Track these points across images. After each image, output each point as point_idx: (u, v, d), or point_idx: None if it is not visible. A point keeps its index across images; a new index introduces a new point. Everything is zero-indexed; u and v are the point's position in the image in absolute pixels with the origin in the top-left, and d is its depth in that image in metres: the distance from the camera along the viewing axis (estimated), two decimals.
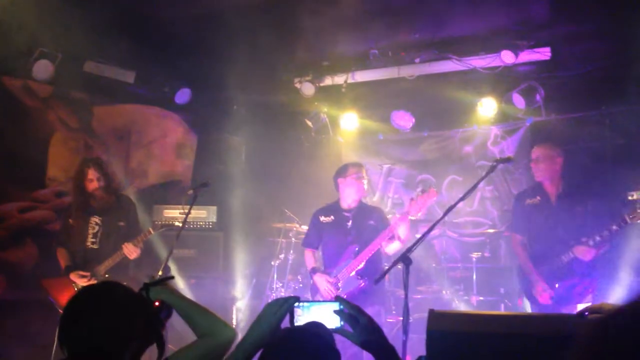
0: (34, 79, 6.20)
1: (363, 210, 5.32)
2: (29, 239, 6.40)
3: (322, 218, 5.46)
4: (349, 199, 5.36)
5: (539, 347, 2.18)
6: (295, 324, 2.01)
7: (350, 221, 5.29)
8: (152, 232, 5.39)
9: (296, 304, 2.02)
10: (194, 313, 2.26)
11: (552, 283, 4.84)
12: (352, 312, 1.97)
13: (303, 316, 2.01)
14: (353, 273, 5.04)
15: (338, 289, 5.07)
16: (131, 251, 5.28)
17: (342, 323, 1.98)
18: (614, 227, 4.55)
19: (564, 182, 5.02)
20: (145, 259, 5.73)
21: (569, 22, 5.91)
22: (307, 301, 2.05)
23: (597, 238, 4.62)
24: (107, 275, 5.33)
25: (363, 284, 5.01)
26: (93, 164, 5.50)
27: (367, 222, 5.19)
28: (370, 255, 4.96)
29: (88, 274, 5.32)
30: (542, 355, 2.15)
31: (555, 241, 4.86)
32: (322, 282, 5.16)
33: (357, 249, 5.08)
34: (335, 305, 2.00)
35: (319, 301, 2.08)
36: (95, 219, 5.51)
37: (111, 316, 1.95)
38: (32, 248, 6.40)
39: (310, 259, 5.55)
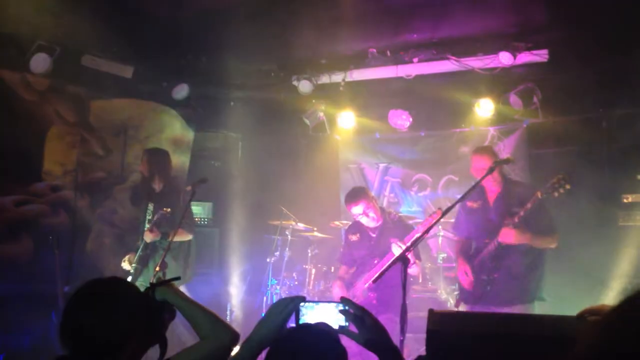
0: (31, 72, 6.17)
1: (387, 227, 5.29)
2: (25, 233, 6.37)
3: (350, 236, 5.53)
4: (366, 223, 5.37)
5: (538, 349, 2.19)
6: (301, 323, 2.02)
7: (374, 240, 5.33)
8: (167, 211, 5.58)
9: (302, 303, 2.02)
10: (198, 315, 2.26)
11: (480, 277, 4.70)
12: (358, 312, 1.98)
13: (308, 316, 2.03)
14: (366, 285, 5.10)
15: (354, 297, 5.17)
16: (145, 234, 5.59)
17: (347, 323, 2.00)
18: (529, 205, 4.43)
19: (502, 185, 4.85)
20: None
21: (566, 25, 5.93)
22: (313, 301, 2.06)
23: (515, 219, 4.45)
24: (133, 265, 5.62)
25: (374, 299, 5.06)
26: (146, 150, 6.22)
27: (390, 240, 5.12)
28: (381, 270, 4.96)
29: (127, 262, 5.73)
30: (541, 356, 2.16)
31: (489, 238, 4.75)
32: (335, 289, 5.40)
33: (375, 263, 5.13)
34: (341, 306, 2.02)
35: (324, 301, 2.08)
36: (151, 206, 5.85)
37: (112, 312, 1.97)
38: (27, 242, 6.37)
39: (342, 270, 5.61)
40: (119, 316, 1.97)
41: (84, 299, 2.01)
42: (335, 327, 1.99)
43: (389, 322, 4.92)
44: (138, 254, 5.62)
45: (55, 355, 1.99)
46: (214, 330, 2.22)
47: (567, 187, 4.31)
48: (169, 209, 5.58)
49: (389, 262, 3.71)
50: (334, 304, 2.04)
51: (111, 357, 1.96)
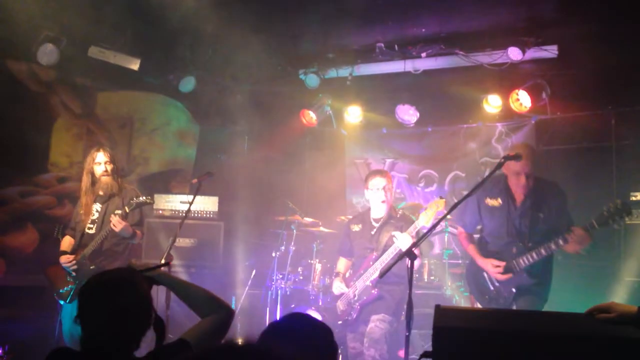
0: (38, 63, 6.17)
1: (391, 221, 5.20)
2: (30, 224, 6.39)
3: (352, 227, 5.48)
4: (375, 208, 5.31)
5: (545, 345, 2.17)
6: None
7: (375, 230, 5.25)
8: (127, 209, 5.32)
9: None
10: (193, 294, 2.35)
11: (508, 287, 4.46)
12: None
13: None
14: (368, 282, 5.05)
15: (354, 296, 5.14)
16: (115, 223, 5.24)
17: None
18: (581, 232, 4.10)
19: (530, 186, 4.47)
20: (150, 247, 5.77)
21: (576, 21, 5.88)
22: None
23: (595, 226, 4.07)
24: (97, 259, 5.35)
25: (375, 292, 5.02)
26: (102, 148, 5.58)
27: (391, 233, 5.07)
28: (382, 264, 4.94)
29: (72, 256, 5.37)
30: (549, 353, 2.14)
31: (513, 245, 4.48)
32: (334, 287, 5.35)
33: (374, 257, 5.09)
34: None
35: None
36: (97, 206, 5.56)
37: (119, 304, 2.04)
38: (32, 233, 6.39)
39: (341, 263, 5.60)
40: (125, 307, 2.03)
41: (91, 292, 2.07)
42: None
43: (381, 323, 4.96)
44: (92, 248, 5.30)
45: (56, 345, 2.03)
46: (212, 307, 2.30)
47: (627, 218, 4.02)
48: (148, 198, 5.36)
49: (396, 258, 3.67)
50: None
51: (118, 347, 2.03)
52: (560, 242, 4.18)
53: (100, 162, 5.49)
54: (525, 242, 4.41)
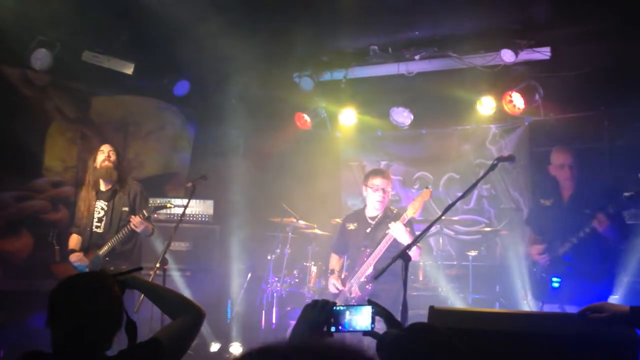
0: (32, 67, 6.15)
1: (386, 219, 5.25)
2: (25, 229, 6.37)
3: (348, 225, 5.57)
4: (371, 207, 5.39)
5: (539, 345, 2.18)
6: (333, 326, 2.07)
7: (370, 229, 5.32)
8: (150, 211, 5.40)
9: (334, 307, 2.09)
10: (165, 296, 2.39)
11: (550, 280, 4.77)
12: (384, 313, 2.15)
13: (339, 318, 2.08)
14: (363, 278, 5.10)
15: (350, 293, 5.18)
16: (137, 224, 5.29)
17: (373, 325, 2.07)
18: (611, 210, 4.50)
19: (575, 184, 4.95)
20: (145, 250, 5.78)
21: (569, 22, 5.91)
22: (343, 306, 2.11)
23: (610, 210, 4.51)
24: (107, 259, 5.41)
25: (370, 287, 5.06)
26: (110, 144, 5.75)
27: (386, 230, 5.13)
28: (376, 259, 5.00)
29: (81, 253, 5.44)
30: (542, 353, 2.15)
31: (557, 240, 4.81)
32: (330, 285, 5.38)
33: (367, 253, 5.14)
34: (368, 309, 2.08)
35: (352, 305, 2.14)
36: (101, 204, 5.59)
37: (91, 306, 2.09)
38: (27, 238, 6.37)
39: (334, 260, 5.68)
40: (96, 310, 2.07)
41: (63, 296, 2.12)
42: (363, 328, 2.07)
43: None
44: (109, 247, 5.37)
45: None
46: (182, 309, 2.33)
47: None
48: (169, 203, 5.50)
49: (390, 261, 3.68)
50: (362, 307, 2.10)
51: (89, 348, 2.07)
52: (587, 229, 4.58)
53: (104, 150, 5.59)
54: (568, 236, 4.77)
